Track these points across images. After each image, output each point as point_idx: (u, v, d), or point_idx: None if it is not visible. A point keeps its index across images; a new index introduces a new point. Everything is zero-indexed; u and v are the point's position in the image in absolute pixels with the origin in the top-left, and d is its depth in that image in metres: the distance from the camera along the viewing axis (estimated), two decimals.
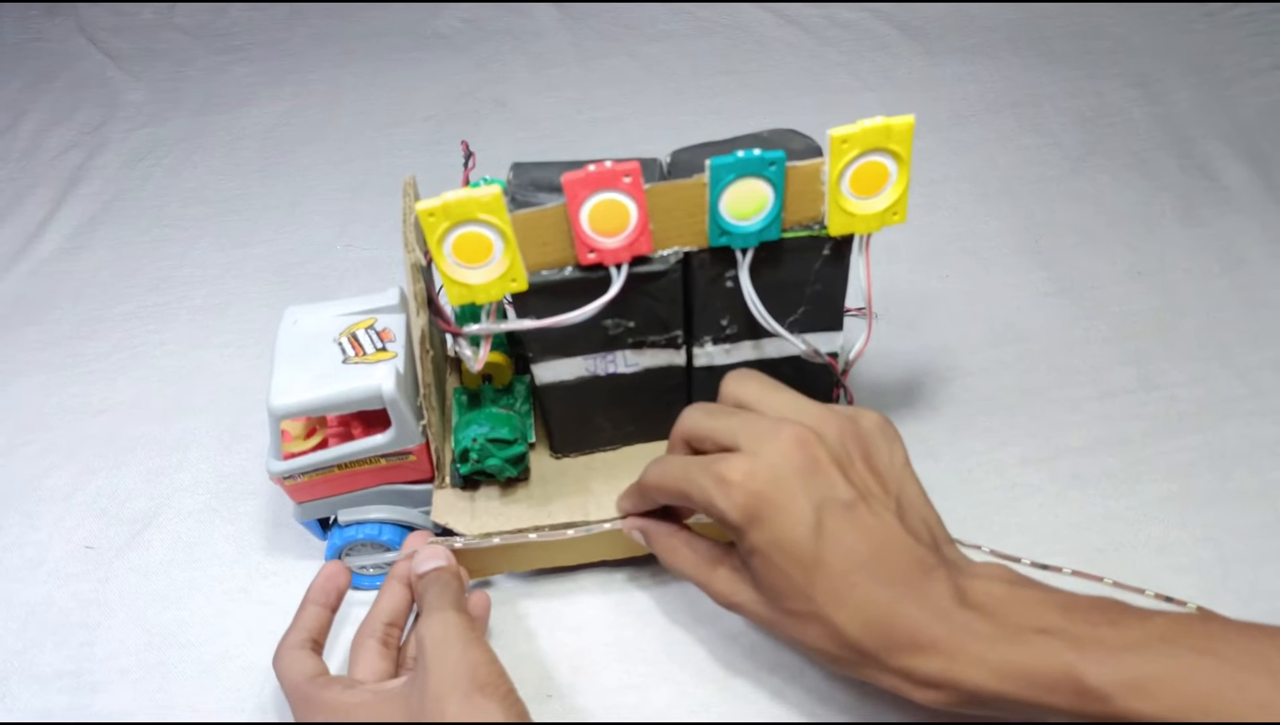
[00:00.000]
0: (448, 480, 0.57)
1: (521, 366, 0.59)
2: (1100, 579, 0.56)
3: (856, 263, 0.50)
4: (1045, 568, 0.56)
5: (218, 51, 1.18)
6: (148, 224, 0.93)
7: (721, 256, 0.49)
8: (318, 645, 0.50)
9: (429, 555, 0.53)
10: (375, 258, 0.86)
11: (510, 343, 0.60)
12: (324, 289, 0.83)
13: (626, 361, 0.53)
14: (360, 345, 0.54)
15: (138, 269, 0.88)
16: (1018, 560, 0.56)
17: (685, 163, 0.49)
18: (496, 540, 0.55)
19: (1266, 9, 1.05)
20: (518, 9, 1.19)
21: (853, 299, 0.54)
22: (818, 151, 0.48)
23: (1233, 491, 0.62)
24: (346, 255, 0.87)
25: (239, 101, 1.09)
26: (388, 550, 0.58)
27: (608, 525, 0.55)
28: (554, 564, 0.58)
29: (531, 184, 0.49)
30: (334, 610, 0.53)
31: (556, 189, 0.46)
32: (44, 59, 1.19)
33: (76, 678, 0.58)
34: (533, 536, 0.55)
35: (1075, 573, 0.56)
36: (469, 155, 0.57)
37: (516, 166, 0.50)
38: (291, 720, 0.48)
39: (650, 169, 0.48)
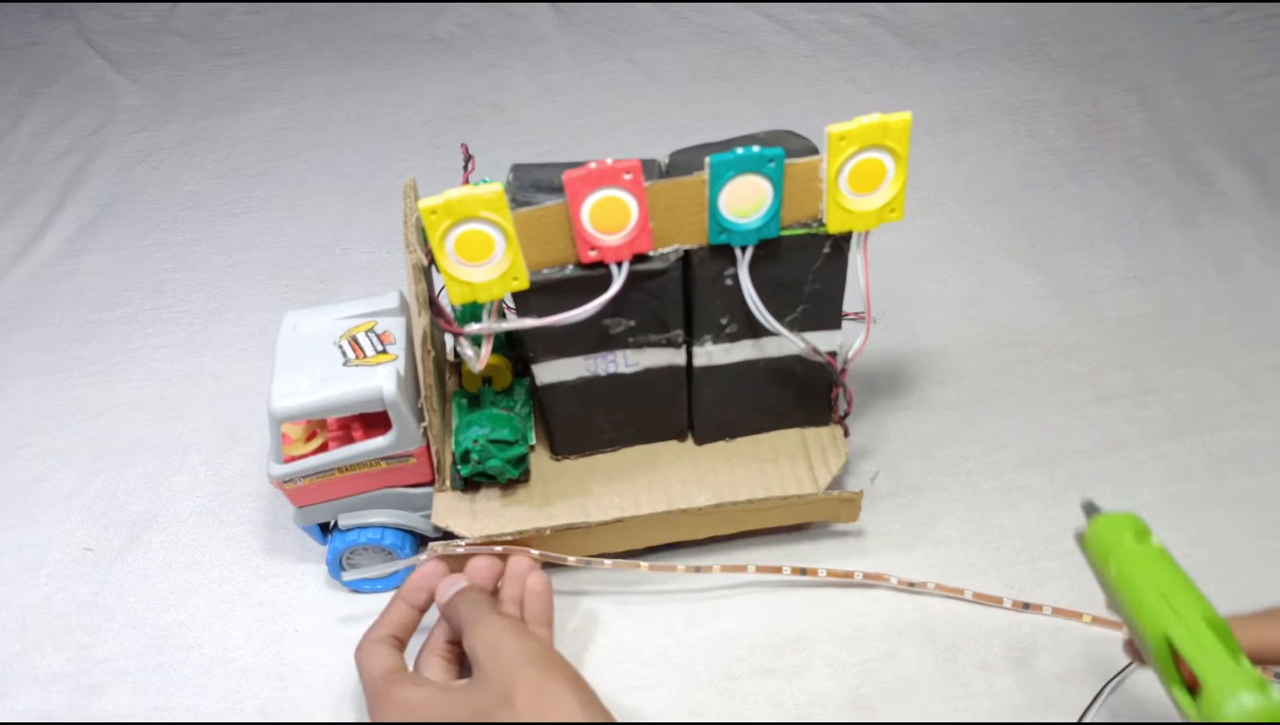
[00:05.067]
0: (448, 483, 0.57)
1: (521, 369, 0.60)
2: (1040, 608, 0.56)
3: (854, 261, 0.51)
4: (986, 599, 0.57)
5: (216, 56, 1.18)
6: (147, 227, 0.93)
7: (721, 254, 0.49)
8: (399, 642, 0.51)
9: (448, 584, 0.52)
10: (374, 261, 0.86)
11: (509, 345, 0.60)
12: (323, 292, 0.84)
13: (627, 361, 0.54)
14: (361, 348, 0.54)
15: (136, 272, 0.88)
16: (961, 593, 0.57)
17: (684, 163, 0.49)
18: (498, 550, 0.55)
19: (1261, 15, 1.06)
20: (516, 14, 1.19)
21: (850, 302, 0.54)
22: (815, 151, 0.49)
23: (1229, 494, 0.62)
24: (345, 259, 0.87)
25: (238, 105, 1.09)
26: (389, 555, 0.58)
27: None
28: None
29: (532, 184, 0.49)
30: (422, 611, 0.53)
31: (556, 190, 0.46)
32: (43, 63, 1.19)
33: (76, 680, 0.58)
34: (535, 553, 0.55)
35: (1015, 603, 0.56)
36: (468, 158, 0.57)
37: (516, 167, 0.51)
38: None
39: (649, 169, 0.49)
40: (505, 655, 0.45)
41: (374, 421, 0.55)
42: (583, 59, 1.11)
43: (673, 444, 0.60)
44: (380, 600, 0.59)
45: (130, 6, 1.26)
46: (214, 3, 1.26)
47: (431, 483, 0.58)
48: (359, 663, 0.49)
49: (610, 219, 0.46)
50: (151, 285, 0.86)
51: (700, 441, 0.60)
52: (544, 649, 0.46)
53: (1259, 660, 0.38)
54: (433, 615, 0.54)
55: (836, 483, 0.58)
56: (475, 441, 0.53)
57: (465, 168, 0.57)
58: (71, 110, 1.10)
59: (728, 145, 0.47)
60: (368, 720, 0.48)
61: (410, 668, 0.50)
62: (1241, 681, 0.34)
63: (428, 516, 0.57)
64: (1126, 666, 0.53)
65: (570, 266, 0.48)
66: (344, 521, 0.58)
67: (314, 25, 1.22)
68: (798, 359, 0.55)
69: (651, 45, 1.12)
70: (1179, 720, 0.52)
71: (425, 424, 0.54)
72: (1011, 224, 0.84)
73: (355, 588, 0.60)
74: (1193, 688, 0.36)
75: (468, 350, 0.50)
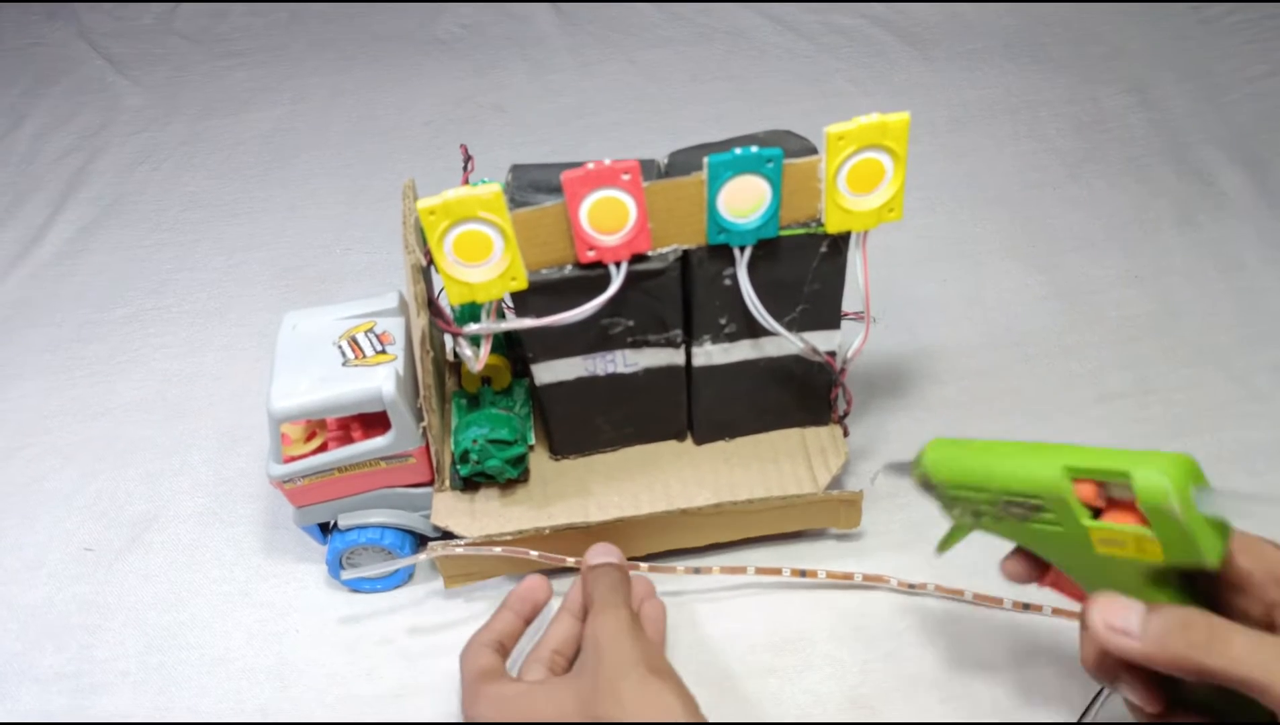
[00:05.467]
0: (448, 483, 0.57)
1: (520, 369, 0.60)
2: (1040, 608, 0.56)
3: (853, 261, 0.51)
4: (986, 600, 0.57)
5: (217, 56, 1.18)
6: (148, 228, 0.93)
7: (720, 254, 0.49)
8: (504, 649, 0.50)
9: (601, 551, 0.53)
10: (374, 262, 0.86)
11: (509, 345, 0.60)
12: (323, 293, 0.84)
13: (626, 361, 0.54)
14: (360, 348, 0.54)
15: (137, 273, 0.88)
16: (961, 593, 0.57)
17: (683, 164, 0.49)
18: (497, 550, 0.55)
19: (1261, 16, 1.06)
20: (517, 15, 1.19)
21: (850, 302, 0.54)
22: (814, 152, 0.49)
23: None
24: (345, 259, 0.87)
25: (238, 106, 1.09)
26: (389, 555, 0.58)
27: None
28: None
29: (530, 185, 0.49)
30: (528, 621, 0.53)
31: (555, 190, 0.46)
32: (44, 63, 1.19)
33: (76, 679, 0.58)
34: (534, 554, 0.55)
35: (1015, 603, 0.57)
36: (468, 158, 0.57)
37: (515, 168, 0.51)
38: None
39: (648, 170, 0.49)
40: (622, 650, 0.45)
41: (373, 422, 0.55)
42: (583, 60, 1.11)
43: (672, 444, 0.60)
44: (381, 600, 0.60)
45: (131, 8, 1.26)
46: (215, 4, 1.26)
47: (431, 483, 0.58)
48: (461, 662, 0.49)
49: (609, 219, 0.46)
50: (152, 286, 0.86)
51: (700, 441, 0.60)
52: (659, 654, 0.46)
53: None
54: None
55: (836, 482, 0.58)
56: (474, 441, 0.53)
57: (465, 168, 0.57)
58: (73, 111, 1.10)
59: (726, 145, 0.47)
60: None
61: (515, 673, 0.50)
62: (1155, 455, 0.36)
63: (427, 516, 0.57)
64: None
65: (569, 267, 0.48)
66: (344, 521, 0.58)
67: (314, 26, 1.22)
68: (797, 359, 0.55)
69: (652, 46, 1.12)
70: (1178, 720, 0.52)
71: (424, 424, 0.54)
72: (1012, 224, 0.84)
73: (355, 587, 0.60)
74: (1099, 513, 0.38)
75: (466, 350, 0.50)
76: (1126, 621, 0.37)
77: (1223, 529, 0.36)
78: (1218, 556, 0.36)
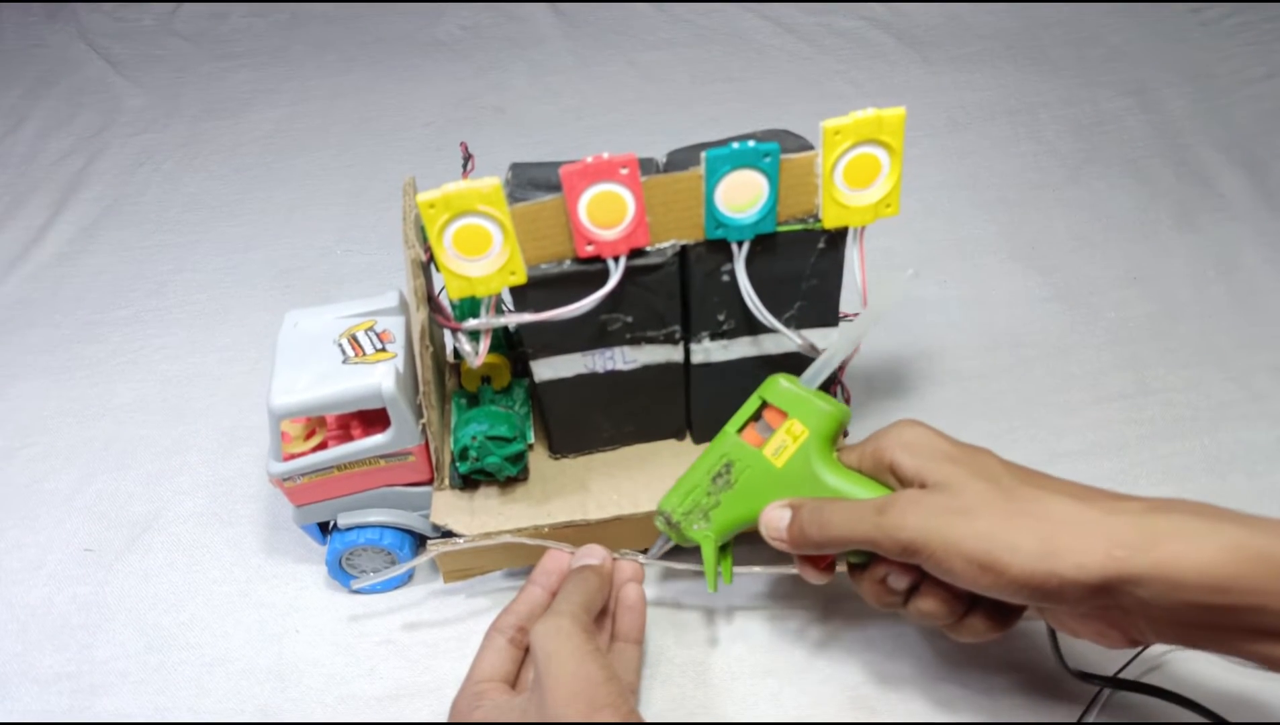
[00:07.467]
0: (447, 481, 0.57)
1: (520, 370, 0.60)
2: None
3: (851, 259, 0.51)
4: None
5: (218, 58, 1.19)
6: (148, 229, 0.93)
7: (718, 249, 0.49)
8: (524, 633, 0.50)
9: (586, 554, 0.53)
10: (374, 262, 0.86)
11: (509, 345, 0.60)
12: (323, 294, 0.84)
13: (625, 358, 0.54)
14: (360, 346, 0.54)
15: (138, 273, 0.88)
16: None
17: (680, 162, 0.49)
18: (499, 539, 0.55)
19: (1261, 18, 1.06)
20: (517, 17, 1.19)
21: (848, 304, 0.54)
22: (810, 150, 0.49)
23: (1229, 495, 0.62)
24: (345, 260, 0.87)
25: (239, 107, 1.09)
26: (389, 555, 0.58)
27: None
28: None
29: (530, 182, 0.49)
30: (554, 593, 0.52)
31: (554, 188, 0.46)
32: (44, 65, 1.19)
33: (76, 680, 0.58)
34: (532, 542, 0.55)
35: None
36: (468, 157, 0.57)
37: (515, 166, 0.51)
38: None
39: (647, 168, 0.49)
40: (562, 679, 0.43)
41: (373, 420, 0.55)
42: (583, 61, 1.12)
43: (671, 443, 0.60)
44: (381, 600, 0.60)
45: (132, 9, 1.26)
46: (216, 5, 1.26)
47: (430, 481, 0.58)
48: (478, 650, 0.49)
49: (607, 214, 0.46)
50: (152, 286, 0.86)
51: (699, 440, 0.60)
52: (604, 681, 0.44)
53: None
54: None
55: None
56: (473, 438, 0.53)
57: (465, 166, 0.57)
58: (73, 112, 1.11)
59: (723, 144, 0.48)
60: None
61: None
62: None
63: (426, 516, 0.57)
64: (1125, 665, 0.53)
65: (567, 262, 0.48)
66: (343, 521, 0.58)
67: (315, 28, 1.22)
68: (795, 357, 0.55)
69: (652, 48, 1.13)
70: (1175, 720, 0.52)
71: (423, 421, 0.54)
72: (1011, 226, 0.84)
73: (359, 590, 0.60)
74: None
75: (466, 346, 0.50)
76: (778, 529, 0.47)
77: (834, 401, 0.49)
78: (837, 407, 0.48)
